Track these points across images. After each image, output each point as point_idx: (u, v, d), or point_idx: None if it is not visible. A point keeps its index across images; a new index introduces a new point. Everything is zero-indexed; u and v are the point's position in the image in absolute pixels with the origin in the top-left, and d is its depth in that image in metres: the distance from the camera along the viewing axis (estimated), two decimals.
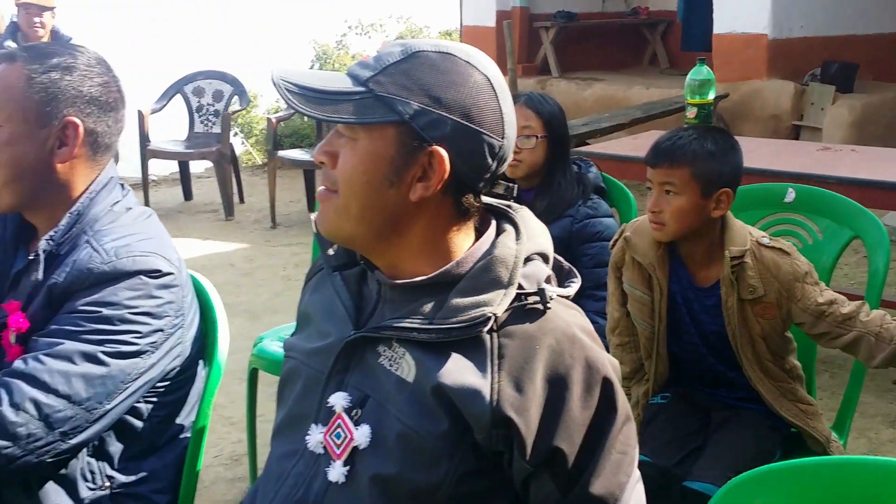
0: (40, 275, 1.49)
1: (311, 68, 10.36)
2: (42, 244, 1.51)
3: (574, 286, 1.23)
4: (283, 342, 2.74)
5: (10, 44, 5.44)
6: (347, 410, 1.19)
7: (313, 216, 1.25)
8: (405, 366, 1.16)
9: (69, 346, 1.42)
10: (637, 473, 1.18)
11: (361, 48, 10.84)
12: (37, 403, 1.38)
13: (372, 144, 1.15)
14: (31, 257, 1.52)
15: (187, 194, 6.90)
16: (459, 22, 9.00)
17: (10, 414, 1.37)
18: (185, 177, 6.89)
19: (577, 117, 5.95)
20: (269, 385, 3.22)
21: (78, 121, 1.52)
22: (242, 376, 2.90)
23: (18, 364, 1.42)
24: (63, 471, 1.50)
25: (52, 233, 1.52)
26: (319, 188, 1.21)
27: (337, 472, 1.17)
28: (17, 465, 1.38)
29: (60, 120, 1.51)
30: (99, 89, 1.54)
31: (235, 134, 7.13)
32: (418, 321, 1.15)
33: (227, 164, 6.32)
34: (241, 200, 6.71)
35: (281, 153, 6.28)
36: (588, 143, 5.09)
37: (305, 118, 7.87)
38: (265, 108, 9.08)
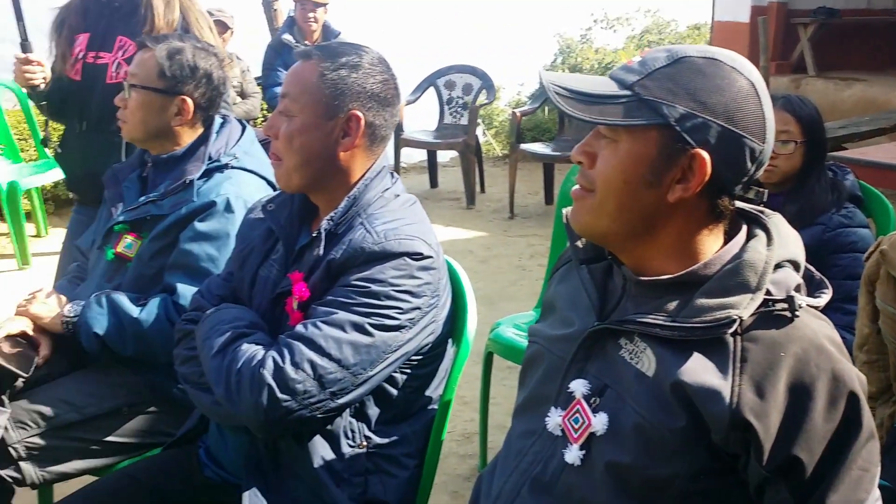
0: (321, 251, 1.65)
1: (554, 62, 10.45)
2: (323, 224, 1.67)
3: (825, 297, 1.22)
4: (518, 329, 2.88)
5: (288, 37, 5.92)
6: (586, 397, 1.24)
7: (565, 211, 1.32)
8: (646, 360, 1.20)
9: (342, 315, 1.57)
10: (877, 493, 1.15)
11: (605, 42, 10.78)
12: (313, 364, 1.54)
13: (633, 146, 1.18)
14: (313, 234, 1.68)
15: (433, 182, 7.20)
16: (711, 17, 8.73)
17: (291, 371, 1.53)
18: (432, 165, 7.20)
19: (833, 119, 5.63)
20: (500, 370, 3.34)
21: (360, 114, 1.66)
22: (476, 359, 3.02)
23: (299, 328, 1.58)
24: (329, 427, 1.64)
25: (332, 214, 1.67)
26: (574, 186, 1.27)
27: (573, 454, 1.23)
28: (292, 417, 1.54)
29: (346, 113, 1.66)
30: (379, 86, 1.69)
31: (478, 125, 7.36)
32: (662, 318, 1.18)
33: (472, 154, 6.52)
34: (482, 190, 6.91)
35: (523, 146, 6.38)
36: (845, 148, 4.82)
37: (547, 113, 7.96)
38: (506, 100, 9.27)
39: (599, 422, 1.21)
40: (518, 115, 6.42)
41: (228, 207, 2.06)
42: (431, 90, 7.00)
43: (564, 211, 1.32)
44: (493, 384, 3.03)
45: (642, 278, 1.24)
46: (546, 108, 7.66)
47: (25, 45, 2.78)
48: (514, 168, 6.30)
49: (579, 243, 1.34)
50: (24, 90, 2.93)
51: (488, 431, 2.97)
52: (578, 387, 1.25)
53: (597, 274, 1.32)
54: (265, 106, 6.34)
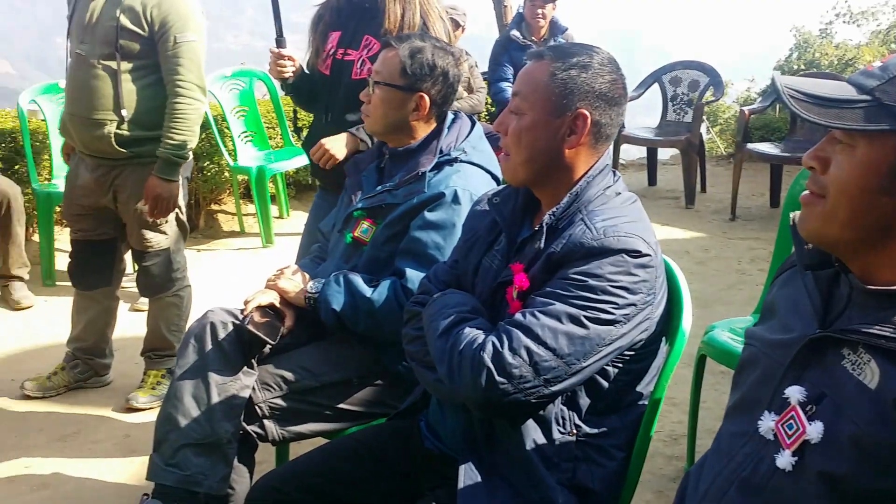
0: (542, 244, 1.72)
1: (789, 57, 9.96)
2: (546, 218, 1.73)
3: None
4: (734, 334, 2.82)
5: (515, 33, 6.05)
6: (802, 404, 1.23)
7: (793, 216, 1.31)
8: (868, 372, 1.17)
9: (559, 307, 1.62)
10: None
11: (847, 37, 10.17)
12: (529, 351, 1.60)
13: (872, 152, 1.16)
14: (535, 228, 1.76)
15: (652, 179, 7.11)
16: None
17: (508, 356, 1.60)
18: (651, 163, 7.11)
19: None
20: (713, 374, 3.29)
21: (587, 113, 1.71)
22: (688, 360, 2.98)
23: (518, 316, 1.65)
24: (542, 412, 1.71)
25: (554, 209, 1.74)
26: (804, 192, 1.25)
27: (785, 460, 1.22)
28: (508, 399, 1.61)
29: (573, 111, 1.71)
30: (608, 86, 1.73)
31: (702, 122, 7.19)
32: (889, 330, 1.15)
33: (694, 153, 6.39)
34: (703, 190, 6.74)
35: (749, 146, 6.18)
36: None
37: (778, 111, 7.63)
38: (734, 96, 8.95)
39: (814, 430, 1.20)
40: (746, 113, 6.21)
41: (456, 199, 2.18)
42: (655, 86, 6.91)
43: (792, 215, 1.31)
44: (704, 388, 2.99)
45: (870, 287, 1.21)
46: (777, 107, 7.34)
47: (280, 41, 3.02)
48: (738, 168, 6.11)
49: (806, 248, 1.32)
50: (275, 82, 3.20)
51: (697, 434, 2.93)
52: (794, 393, 1.24)
53: (822, 280, 1.30)
54: (489, 101, 6.50)
